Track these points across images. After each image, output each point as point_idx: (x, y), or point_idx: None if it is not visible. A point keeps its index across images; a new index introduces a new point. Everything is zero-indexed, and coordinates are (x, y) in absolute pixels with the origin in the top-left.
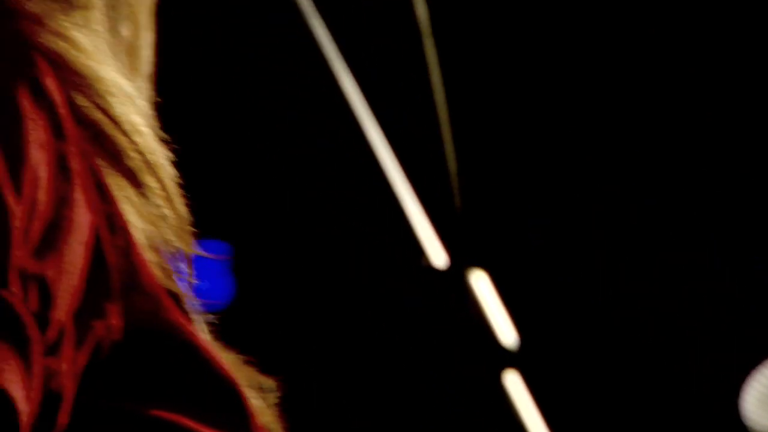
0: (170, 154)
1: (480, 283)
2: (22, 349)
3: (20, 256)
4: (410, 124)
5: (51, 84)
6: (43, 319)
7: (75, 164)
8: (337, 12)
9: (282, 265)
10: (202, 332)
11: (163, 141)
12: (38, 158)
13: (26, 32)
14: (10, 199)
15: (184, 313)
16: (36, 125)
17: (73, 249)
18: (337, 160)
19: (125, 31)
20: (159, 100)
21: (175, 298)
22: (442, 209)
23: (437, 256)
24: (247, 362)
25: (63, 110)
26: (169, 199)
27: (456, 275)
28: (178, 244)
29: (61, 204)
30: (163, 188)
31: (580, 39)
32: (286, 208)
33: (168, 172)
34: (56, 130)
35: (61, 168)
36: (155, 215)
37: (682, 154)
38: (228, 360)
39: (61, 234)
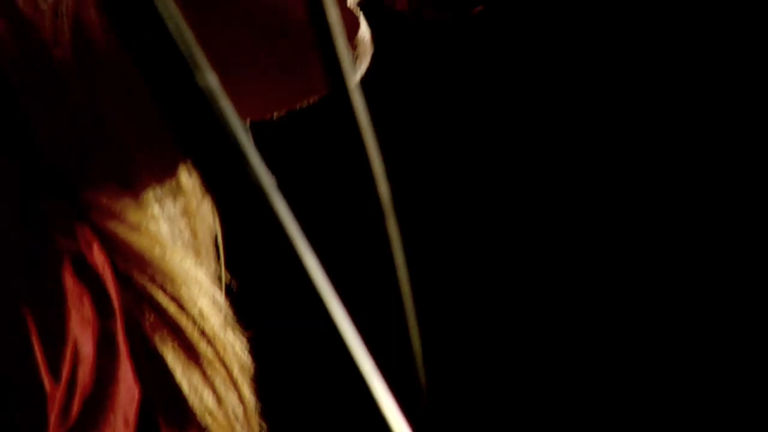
0: (244, 341)
1: None
2: None
3: None
4: (374, 302)
5: (99, 260)
6: None
7: (122, 340)
8: (299, 189)
9: None
10: None
11: (237, 328)
12: (80, 336)
13: (91, 218)
14: (47, 382)
15: None
16: (80, 302)
17: (115, 426)
18: (302, 338)
19: (188, 221)
20: (234, 283)
21: None
22: (407, 388)
23: None
24: None
25: (111, 287)
26: (236, 386)
27: None
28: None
29: (104, 381)
30: (230, 375)
31: (551, 218)
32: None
33: (238, 359)
34: (102, 306)
35: (105, 344)
36: (219, 402)
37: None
38: None
39: (103, 411)
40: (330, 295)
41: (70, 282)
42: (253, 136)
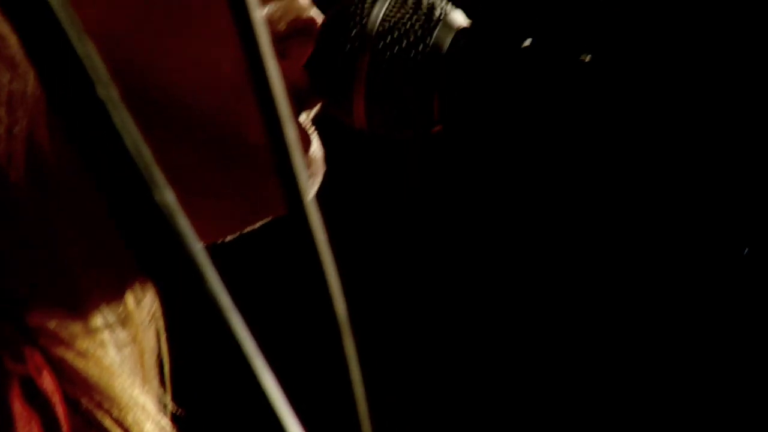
0: None
1: None
2: None
3: None
4: (331, 421)
5: (48, 385)
6: None
7: None
8: (256, 305)
9: None
10: None
11: None
12: None
13: (39, 343)
14: None
15: None
16: (29, 427)
17: None
18: None
19: (135, 347)
20: (179, 409)
21: None
22: None
23: None
24: None
25: (60, 412)
26: None
27: None
28: None
29: None
30: None
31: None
32: None
33: None
34: (51, 431)
35: None
36: None
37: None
38: None
39: None
40: (288, 415)
41: (18, 407)
42: (210, 255)
